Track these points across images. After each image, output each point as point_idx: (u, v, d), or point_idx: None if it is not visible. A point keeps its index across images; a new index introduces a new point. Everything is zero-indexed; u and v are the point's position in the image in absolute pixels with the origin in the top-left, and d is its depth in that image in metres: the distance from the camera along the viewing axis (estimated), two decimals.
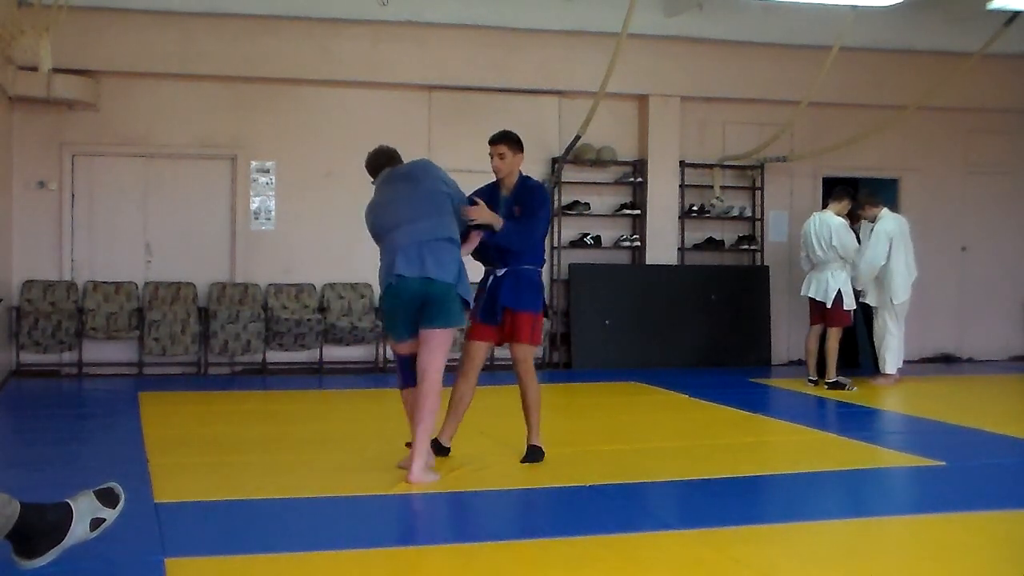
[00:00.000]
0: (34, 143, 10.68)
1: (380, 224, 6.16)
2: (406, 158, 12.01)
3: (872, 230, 10.48)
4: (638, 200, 12.08)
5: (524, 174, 6.76)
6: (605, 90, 10.35)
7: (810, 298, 10.31)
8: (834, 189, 10.60)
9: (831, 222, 10.11)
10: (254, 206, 11.21)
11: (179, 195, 11.09)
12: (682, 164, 12.13)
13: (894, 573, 4.49)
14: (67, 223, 10.82)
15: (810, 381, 10.26)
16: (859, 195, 10.76)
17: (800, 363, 11.73)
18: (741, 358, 12.07)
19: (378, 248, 6.19)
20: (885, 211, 10.52)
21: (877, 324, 10.57)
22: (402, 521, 5.32)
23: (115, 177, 10.95)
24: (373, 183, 6.43)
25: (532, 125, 11.73)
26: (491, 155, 6.67)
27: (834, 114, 12.28)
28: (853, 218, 10.60)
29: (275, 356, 11.00)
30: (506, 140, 6.63)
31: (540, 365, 11.76)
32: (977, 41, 10.83)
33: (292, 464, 6.55)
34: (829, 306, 10.13)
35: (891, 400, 9.73)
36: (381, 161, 6.46)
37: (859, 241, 10.43)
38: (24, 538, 3.85)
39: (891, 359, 10.47)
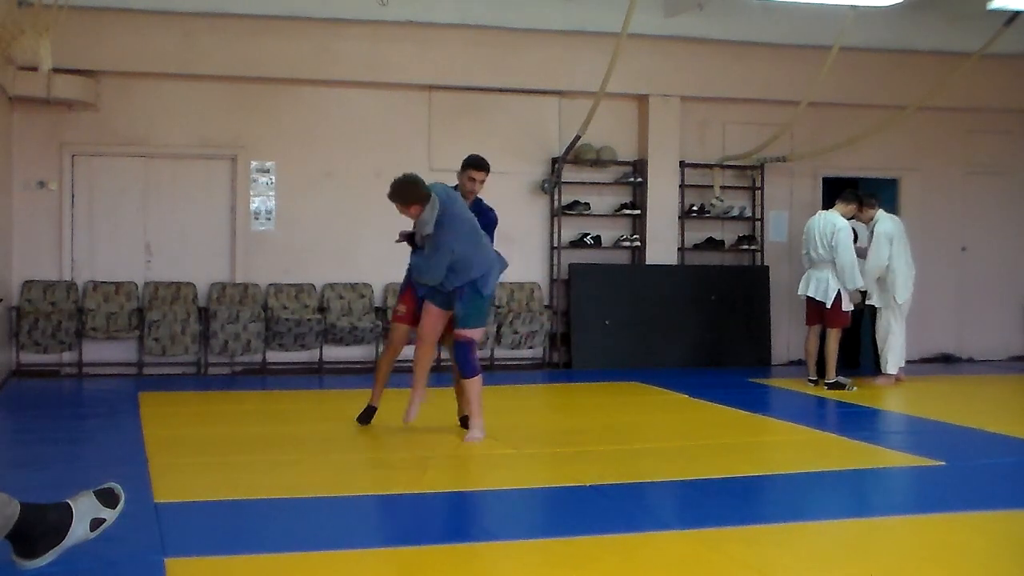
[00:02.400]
0: (34, 143, 10.68)
1: (479, 237, 7.18)
2: (406, 158, 12.12)
3: (871, 231, 10.47)
4: (638, 200, 12.08)
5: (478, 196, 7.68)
6: (605, 90, 10.36)
7: (808, 297, 10.29)
8: (843, 191, 10.56)
9: (836, 222, 10.09)
10: (254, 206, 11.21)
11: (179, 195, 11.09)
12: (682, 164, 12.14)
13: (894, 573, 4.49)
14: (67, 223, 10.82)
15: (810, 381, 10.26)
16: (866, 199, 10.68)
17: (800, 363, 11.73)
18: (741, 358, 12.07)
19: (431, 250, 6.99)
20: (881, 212, 10.53)
21: (880, 324, 10.56)
22: (402, 521, 5.32)
23: (115, 177, 10.95)
24: (414, 211, 6.97)
25: (532, 125, 11.78)
26: (472, 179, 7.58)
27: (834, 114, 12.28)
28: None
29: (275, 356, 11.00)
30: (488, 169, 7.64)
31: (540, 365, 11.79)
32: (977, 41, 10.83)
33: (292, 464, 6.56)
34: (829, 306, 10.10)
35: (891, 400, 9.73)
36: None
37: (856, 240, 10.43)
38: (24, 538, 3.86)
39: (892, 359, 10.47)
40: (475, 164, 7.60)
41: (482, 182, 7.62)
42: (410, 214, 6.98)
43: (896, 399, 9.80)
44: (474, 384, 7.21)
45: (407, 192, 6.96)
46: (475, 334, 7.24)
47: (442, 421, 7.74)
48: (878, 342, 10.62)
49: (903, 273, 10.43)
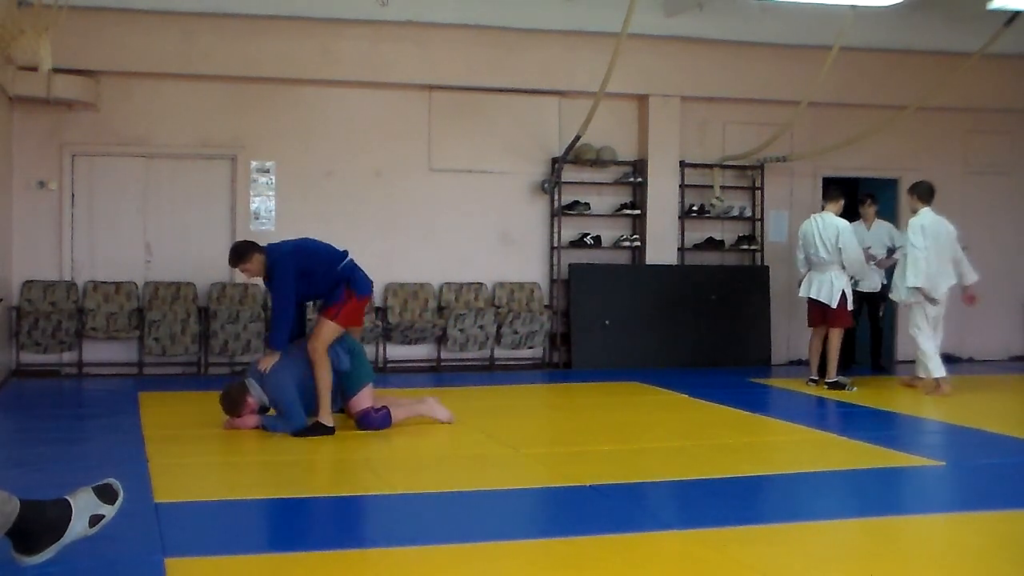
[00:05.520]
0: (34, 143, 10.68)
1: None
2: (406, 158, 12.08)
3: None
4: (638, 200, 12.08)
5: (267, 255, 7.65)
6: (605, 90, 10.35)
7: (810, 299, 10.27)
8: (828, 190, 10.55)
9: (838, 224, 10.07)
10: (254, 206, 11.21)
11: (179, 195, 11.09)
12: (682, 164, 12.14)
13: (894, 573, 4.49)
14: (67, 223, 10.81)
15: (811, 381, 10.25)
16: (917, 189, 10.11)
17: (800, 363, 11.73)
18: (741, 358, 12.07)
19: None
20: (926, 210, 9.99)
21: (910, 326, 10.13)
22: (401, 520, 5.32)
23: (115, 177, 10.94)
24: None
25: (532, 125, 11.78)
26: (241, 271, 7.73)
27: (834, 114, 12.28)
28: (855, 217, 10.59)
29: None
30: (242, 259, 7.61)
31: (540, 365, 11.79)
32: (977, 41, 10.84)
33: (292, 464, 6.56)
34: (833, 307, 10.09)
35: (891, 400, 9.72)
36: None
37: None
38: (24, 535, 3.86)
39: (932, 365, 9.87)
40: (231, 263, 7.74)
41: (247, 271, 7.67)
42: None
43: (895, 399, 9.79)
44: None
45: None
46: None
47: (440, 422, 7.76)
48: (918, 341, 10.08)
49: (919, 262, 9.77)
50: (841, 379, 10.06)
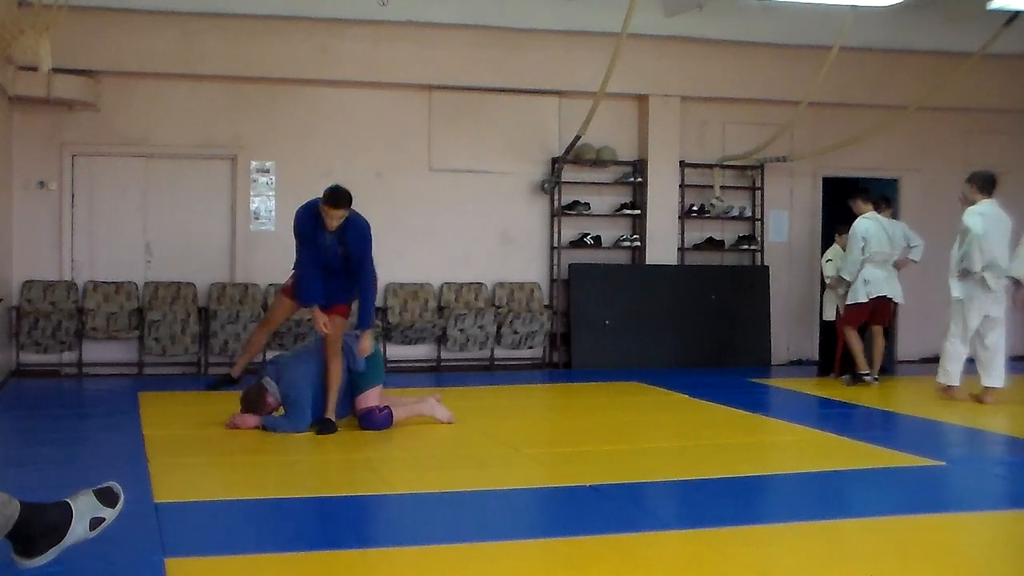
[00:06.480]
0: (34, 143, 10.68)
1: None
2: (406, 158, 12.06)
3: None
4: (638, 200, 12.08)
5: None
6: (605, 90, 10.35)
7: (870, 298, 10.16)
8: (866, 193, 10.50)
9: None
10: (254, 206, 11.21)
11: (179, 195, 11.09)
12: (682, 164, 12.13)
13: (894, 573, 4.49)
14: (67, 223, 10.82)
15: (870, 379, 10.12)
16: (976, 179, 9.68)
17: (800, 363, 11.72)
18: (741, 358, 12.07)
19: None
20: (987, 203, 9.45)
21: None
22: (401, 520, 5.32)
23: (115, 177, 10.95)
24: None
25: (532, 125, 11.78)
26: (330, 216, 7.26)
27: (834, 114, 12.28)
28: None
29: None
30: (347, 204, 7.28)
31: (540, 365, 11.78)
32: (977, 41, 10.84)
33: (292, 464, 6.56)
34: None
35: (892, 400, 9.73)
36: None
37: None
38: (24, 537, 3.85)
39: (940, 368, 9.43)
40: (334, 203, 7.24)
41: (341, 217, 7.26)
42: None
43: (897, 399, 9.80)
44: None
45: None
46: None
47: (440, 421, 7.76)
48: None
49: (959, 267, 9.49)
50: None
